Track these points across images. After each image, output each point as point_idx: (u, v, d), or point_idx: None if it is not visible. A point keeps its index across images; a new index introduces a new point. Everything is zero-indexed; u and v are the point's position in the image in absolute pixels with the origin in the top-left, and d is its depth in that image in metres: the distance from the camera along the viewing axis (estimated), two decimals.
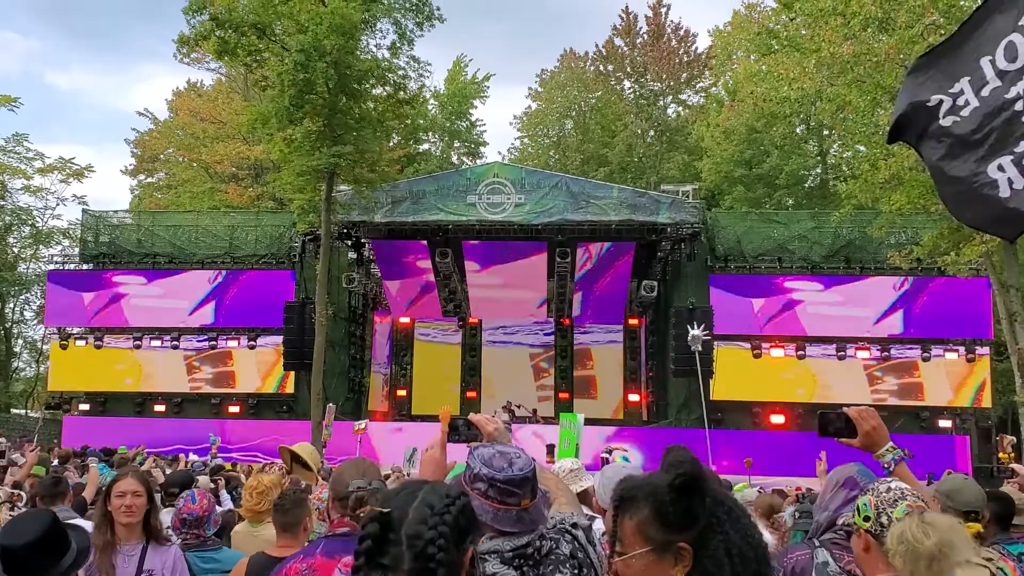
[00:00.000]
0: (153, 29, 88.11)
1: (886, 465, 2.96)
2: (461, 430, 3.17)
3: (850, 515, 2.97)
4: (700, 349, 20.43)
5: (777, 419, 25.28)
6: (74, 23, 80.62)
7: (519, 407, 27.92)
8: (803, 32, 21.56)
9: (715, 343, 24.11)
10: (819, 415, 3.09)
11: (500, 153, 51.89)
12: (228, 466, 16.59)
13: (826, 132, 39.42)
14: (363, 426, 20.15)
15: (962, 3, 18.93)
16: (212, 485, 9.57)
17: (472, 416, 3.22)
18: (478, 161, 46.44)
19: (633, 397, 31.77)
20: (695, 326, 20.93)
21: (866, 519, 2.79)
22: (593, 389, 32.31)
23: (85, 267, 28.77)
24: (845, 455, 3.29)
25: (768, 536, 4.39)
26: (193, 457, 18.74)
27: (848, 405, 3.13)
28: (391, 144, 38.92)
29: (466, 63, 48.97)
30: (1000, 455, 19.54)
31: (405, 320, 32.98)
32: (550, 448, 15.46)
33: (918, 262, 22.76)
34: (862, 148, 23.20)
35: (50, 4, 77.88)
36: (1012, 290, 19.59)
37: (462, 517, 1.86)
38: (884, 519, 2.74)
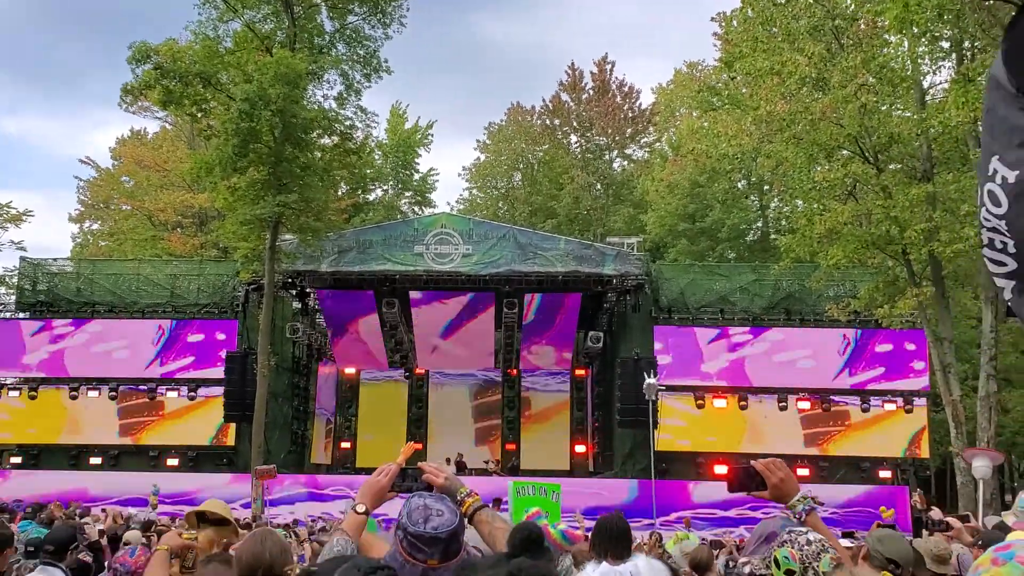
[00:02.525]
0: (107, 75, 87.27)
1: (797, 515, 2.98)
2: (407, 479, 3.08)
3: (760, 563, 2.99)
4: (655, 398, 20.43)
5: (720, 469, 25.40)
6: (25, 69, 79.64)
7: (460, 457, 27.68)
8: (743, 90, 22.20)
9: (659, 394, 24.27)
10: (727, 473, 3.14)
11: (449, 204, 52.16)
12: (166, 521, 16.16)
13: (766, 187, 40.39)
14: (270, 470, 19.94)
15: (893, 65, 19.72)
16: (144, 540, 9.29)
17: (422, 464, 3.13)
18: (427, 211, 46.60)
19: (579, 448, 31.72)
20: (651, 375, 20.94)
21: (789, 572, 2.78)
22: (537, 440, 32.20)
23: (21, 315, 28.06)
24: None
25: None
26: (131, 510, 18.27)
27: (765, 456, 3.16)
28: (339, 193, 38.93)
29: (404, 110, 49.32)
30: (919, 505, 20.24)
31: (350, 371, 32.65)
32: (496, 502, 15.32)
33: (855, 314, 23.26)
34: (800, 203, 23.80)
35: None
36: (946, 342, 20.13)
37: None
38: (811, 574, 2.75)
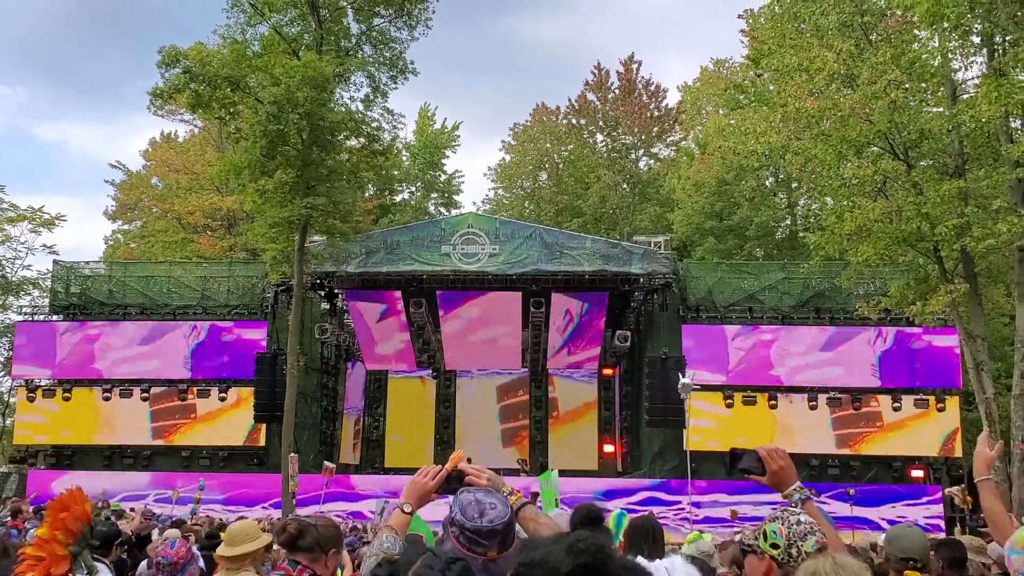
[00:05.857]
0: (142, 80, 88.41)
1: (793, 504, 3.13)
2: (451, 481, 3.15)
3: (751, 535, 3.08)
4: (688, 397, 20.25)
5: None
6: (62, 75, 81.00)
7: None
8: (770, 88, 22.04)
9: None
10: (730, 452, 3.25)
11: (475, 204, 52.30)
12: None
13: (794, 184, 40.08)
14: (332, 468, 20.13)
15: (925, 58, 19.50)
16: (183, 535, 9.35)
17: (464, 466, 3.21)
18: (454, 212, 46.73)
19: (608, 448, 31.65)
20: (684, 374, 20.77)
21: (774, 546, 2.91)
22: (566, 440, 32.14)
23: (55, 318, 28.44)
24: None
25: None
26: (157, 510, 18.47)
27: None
28: (367, 195, 39.10)
29: (432, 112, 49.57)
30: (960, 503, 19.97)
31: (378, 371, 32.78)
32: (534, 496, 15.35)
33: (886, 312, 23.04)
34: (829, 200, 23.60)
35: (37, 56, 78.23)
36: (978, 339, 19.87)
37: (465, 574, 1.94)
38: (794, 551, 2.87)
